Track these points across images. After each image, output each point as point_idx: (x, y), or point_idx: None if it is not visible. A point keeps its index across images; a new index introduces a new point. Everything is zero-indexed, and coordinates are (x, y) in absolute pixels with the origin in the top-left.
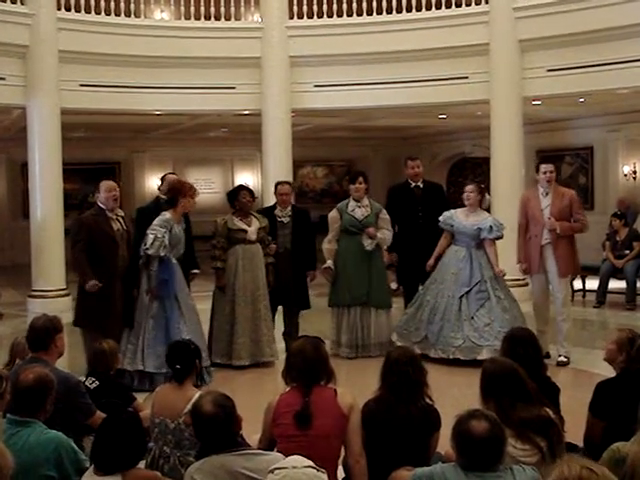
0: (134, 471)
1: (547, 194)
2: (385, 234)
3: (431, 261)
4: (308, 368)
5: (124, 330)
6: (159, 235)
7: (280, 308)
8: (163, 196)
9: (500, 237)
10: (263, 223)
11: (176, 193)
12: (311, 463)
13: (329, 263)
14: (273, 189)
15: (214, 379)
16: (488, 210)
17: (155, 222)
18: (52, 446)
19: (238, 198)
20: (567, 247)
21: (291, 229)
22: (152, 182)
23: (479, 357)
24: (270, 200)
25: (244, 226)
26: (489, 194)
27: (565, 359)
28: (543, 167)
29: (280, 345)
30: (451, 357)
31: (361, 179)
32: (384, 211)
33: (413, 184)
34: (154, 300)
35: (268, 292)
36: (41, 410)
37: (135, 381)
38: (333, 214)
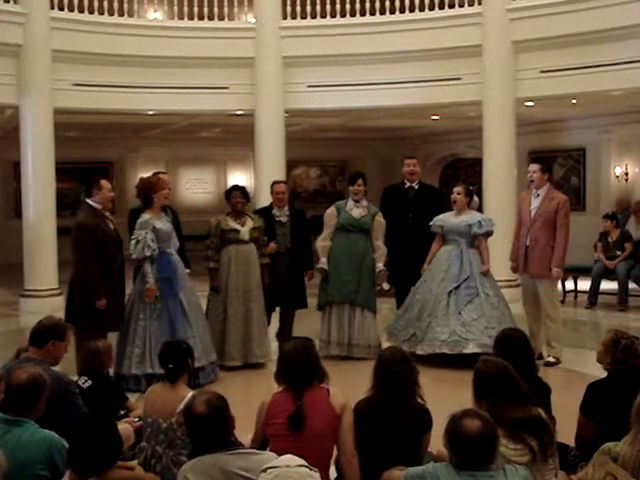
0: (112, 472)
1: (538, 196)
2: (381, 250)
3: (425, 266)
4: (299, 371)
5: (120, 331)
6: (140, 237)
7: (277, 308)
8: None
9: (490, 232)
10: (258, 223)
11: (149, 192)
12: (304, 462)
13: (323, 262)
14: (269, 189)
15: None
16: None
17: (135, 226)
18: (45, 445)
19: (230, 198)
20: (544, 250)
21: (290, 229)
22: None
23: (465, 351)
24: (262, 200)
25: (237, 226)
26: (477, 196)
27: (553, 359)
28: (529, 167)
29: (274, 344)
30: (437, 351)
31: (360, 181)
32: (380, 214)
33: (408, 184)
34: (155, 301)
35: (263, 293)
36: (34, 409)
37: (143, 384)
38: (331, 211)
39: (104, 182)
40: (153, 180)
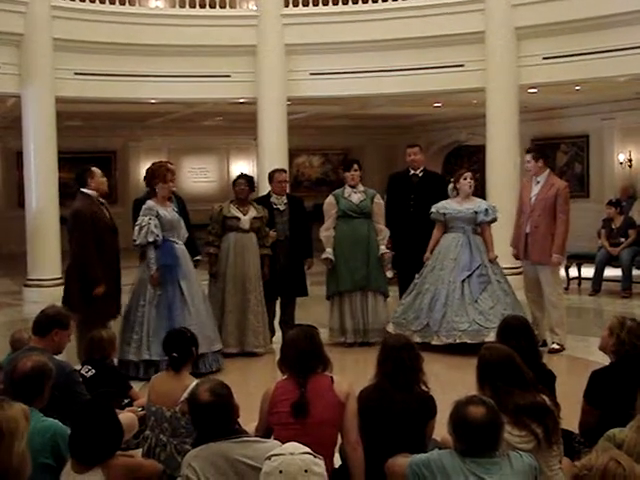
0: (113, 461)
1: (538, 183)
2: (383, 232)
3: (428, 254)
4: (302, 359)
5: (122, 319)
6: (143, 223)
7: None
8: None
9: (495, 219)
10: (261, 213)
11: (150, 180)
12: (308, 450)
13: (328, 252)
14: (267, 178)
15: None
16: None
17: (140, 213)
18: (49, 434)
19: (234, 186)
20: (544, 236)
21: (288, 216)
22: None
23: (487, 339)
24: (266, 188)
25: (238, 214)
26: (480, 183)
27: (557, 346)
28: (525, 156)
29: (278, 333)
30: (457, 341)
31: (356, 166)
32: (378, 196)
33: (412, 172)
34: (156, 288)
35: (263, 283)
36: (38, 398)
37: (141, 371)
38: (329, 200)
39: (95, 169)
40: (156, 170)
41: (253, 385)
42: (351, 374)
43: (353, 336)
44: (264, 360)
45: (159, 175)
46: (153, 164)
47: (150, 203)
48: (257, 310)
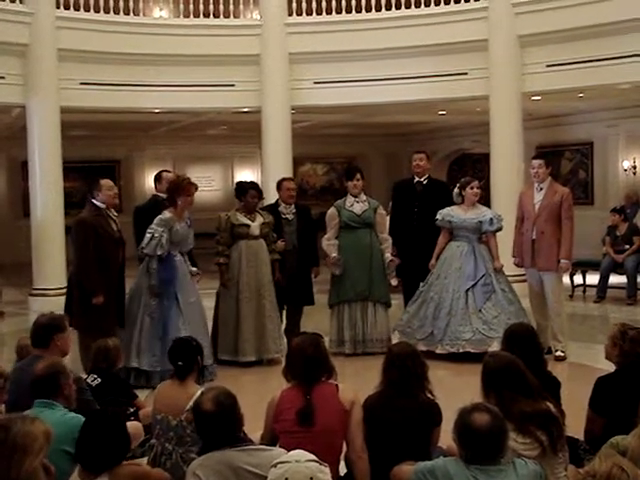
0: (120, 469)
1: (541, 189)
2: (388, 241)
3: (433, 261)
4: (308, 366)
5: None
6: (156, 234)
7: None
8: (160, 194)
9: (501, 228)
10: (267, 219)
11: (173, 192)
12: (314, 457)
13: (335, 255)
14: (276, 186)
15: (219, 377)
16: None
17: (154, 221)
18: (72, 424)
19: (246, 196)
20: (550, 243)
21: (296, 226)
22: (152, 180)
23: (490, 349)
24: (270, 197)
25: (247, 221)
26: (485, 191)
27: (562, 353)
28: (532, 163)
29: (282, 341)
30: (461, 350)
31: (359, 175)
32: (381, 207)
33: (416, 180)
34: (153, 298)
35: (274, 289)
36: (59, 395)
37: (131, 378)
38: (331, 212)
39: (103, 181)
40: (180, 184)
41: (263, 393)
42: (351, 384)
43: (352, 346)
44: (277, 368)
45: (183, 189)
46: (175, 180)
47: (168, 215)
48: (272, 315)
